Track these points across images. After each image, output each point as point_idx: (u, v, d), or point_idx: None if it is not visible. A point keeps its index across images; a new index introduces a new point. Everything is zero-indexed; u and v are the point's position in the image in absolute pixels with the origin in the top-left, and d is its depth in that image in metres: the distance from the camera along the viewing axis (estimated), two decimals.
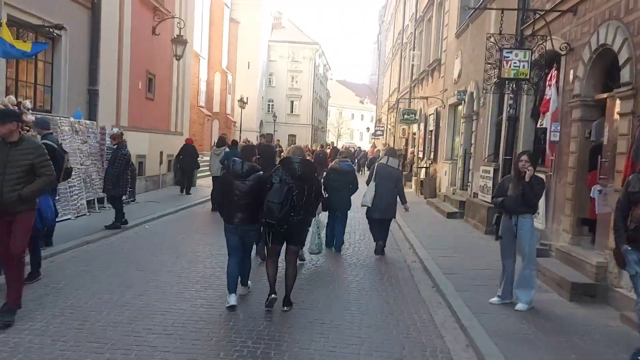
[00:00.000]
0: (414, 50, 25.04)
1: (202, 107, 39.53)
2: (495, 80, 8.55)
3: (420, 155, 21.69)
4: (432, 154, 19.15)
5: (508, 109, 9.92)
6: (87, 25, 11.89)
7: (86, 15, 11.82)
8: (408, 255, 8.99)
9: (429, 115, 20.63)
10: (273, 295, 5.51)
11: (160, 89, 16.98)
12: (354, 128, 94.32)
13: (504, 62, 7.74)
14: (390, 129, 38.81)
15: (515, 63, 7.70)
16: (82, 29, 11.70)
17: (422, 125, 22.06)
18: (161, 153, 16.96)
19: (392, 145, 34.34)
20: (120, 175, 9.32)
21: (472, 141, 13.43)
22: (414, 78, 25.01)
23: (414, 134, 24.98)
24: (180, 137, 18.95)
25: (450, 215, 13.10)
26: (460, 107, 16.50)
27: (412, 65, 25.40)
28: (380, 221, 8.80)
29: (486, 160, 11.98)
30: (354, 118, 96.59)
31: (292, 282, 5.65)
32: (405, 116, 22.36)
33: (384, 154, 10.57)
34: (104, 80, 12.48)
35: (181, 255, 7.86)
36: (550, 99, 8.07)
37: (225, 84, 43.12)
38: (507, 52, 7.74)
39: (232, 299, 5.52)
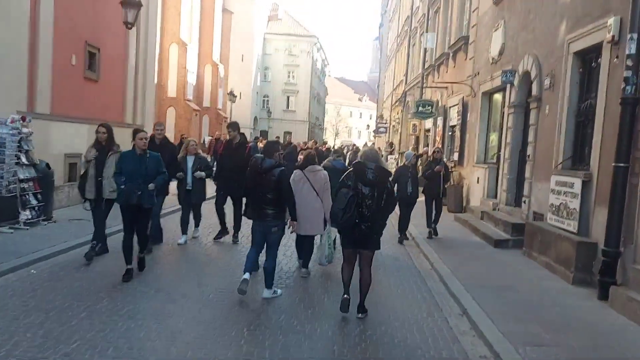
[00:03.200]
0: (427, 32, 21.17)
1: (189, 100, 35.99)
2: None
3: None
4: (457, 154, 15.27)
5: (623, 85, 6.05)
6: None
7: None
8: (464, 338, 5.08)
9: (450, 107, 16.77)
10: (345, 296, 5.38)
11: (109, 68, 13.06)
12: (352, 126, 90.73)
13: None
14: (394, 126, 34.98)
15: None
16: None
17: (439, 120, 18.19)
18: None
19: (393, 143, 30.58)
20: None
21: (531, 139, 9.52)
22: (427, 65, 21.17)
23: (427, 130, 21.11)
24: None
25: (499, 244, 9.22)
26: (497, 95, 12.69)
27: (425, 50, 21.56)
28: None
29: (560, 167, 8.11)
30: (352, 116, 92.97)
31: (366, 289, 5.44)
32: (420, 109, 18.44)
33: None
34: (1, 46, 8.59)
35: None
36: None
37: (216, 78, 39.78)
38: None
39: (247, 275, 5.65)
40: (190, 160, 8.26)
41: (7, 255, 6.69)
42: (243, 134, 8.68)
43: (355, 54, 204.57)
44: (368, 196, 5.14)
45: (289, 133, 56.59)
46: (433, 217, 10.05)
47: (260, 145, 25.22)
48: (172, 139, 28.05)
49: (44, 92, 10.13)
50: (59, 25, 10.42)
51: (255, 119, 53.78)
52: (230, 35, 45.79)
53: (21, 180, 8.45)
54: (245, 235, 9.41)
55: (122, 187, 6.13)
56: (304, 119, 61.29)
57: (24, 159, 8.65)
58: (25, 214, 8.43)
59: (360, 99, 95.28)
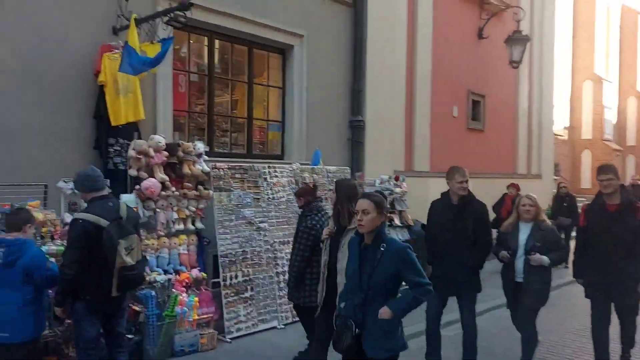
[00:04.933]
0: None
1: (607, 140, 31.70)
2: None
3: None
4: None
5: None
6: (346, 30, 8.26)
7: (345, 14, 8.22)
8: None
9: None
10: None
11: (495, 116, 11.86)
12: None
13: None
14: None
15: None
16: (336, 33, 8.12)
17: None
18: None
19: None
20: (304, 266, 4.85)
21: None
22: None
23: None
24: (538, 182, 13.11)
25: None
26: None
27: None
28: None
29: None
30: None
31: None
32: None
33: None
34: (377, 106, 8.50)
35: None
36: None
37: None
38: None
39: None
40: (524, 231, 4.66)
41: None
42: (623, 185, 4.74)
43: None
44: None
45: None
46: None
47: None
48: (588, 186, 24.39)
49: (421, 149, 9.70)
50: (439, 77, 9.94)
51: None
52: None
53: None
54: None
55: (342, 305, 3.19)
56: None
57: (396, 221, 8.21)
58: None
59: None
